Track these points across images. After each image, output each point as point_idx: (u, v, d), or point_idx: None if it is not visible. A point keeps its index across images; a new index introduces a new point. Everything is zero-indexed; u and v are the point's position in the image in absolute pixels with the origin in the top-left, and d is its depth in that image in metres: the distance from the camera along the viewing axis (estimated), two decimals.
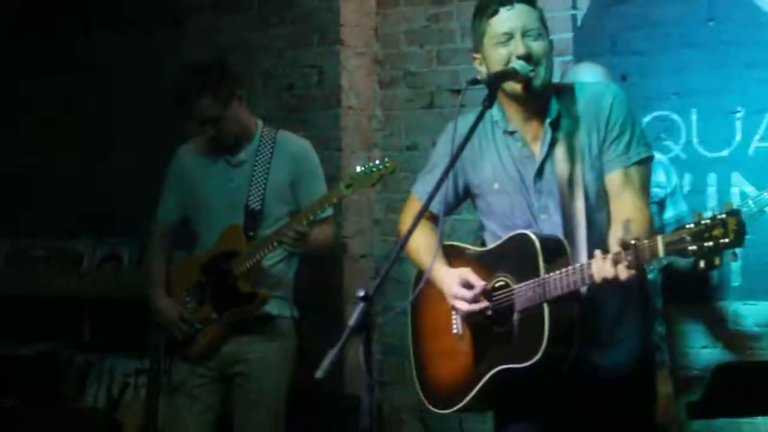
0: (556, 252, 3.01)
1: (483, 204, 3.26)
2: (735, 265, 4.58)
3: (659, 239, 2.71)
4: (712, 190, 4.69)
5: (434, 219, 3.31)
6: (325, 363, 2.46)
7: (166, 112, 5.01)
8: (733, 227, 2.61)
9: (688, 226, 2.66)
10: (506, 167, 3.16)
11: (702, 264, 2.69)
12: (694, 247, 2.64)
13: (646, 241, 2.74)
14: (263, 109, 5.13)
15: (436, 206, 3.14)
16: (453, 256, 3.30)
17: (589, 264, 2.86)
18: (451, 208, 3.33)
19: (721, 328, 4.70)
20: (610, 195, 3.09)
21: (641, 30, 4.83)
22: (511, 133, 3.15)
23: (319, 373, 2.46)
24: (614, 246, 2.84)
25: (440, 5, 5.31)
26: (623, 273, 2.77)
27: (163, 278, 4.39)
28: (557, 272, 2.94)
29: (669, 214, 4.27)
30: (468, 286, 3.12)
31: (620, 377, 3.11)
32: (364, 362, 2.56)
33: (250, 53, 5.43)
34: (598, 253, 2.83)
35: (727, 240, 2.62)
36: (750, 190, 4.56)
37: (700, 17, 4.72)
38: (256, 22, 5.46)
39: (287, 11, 5.39)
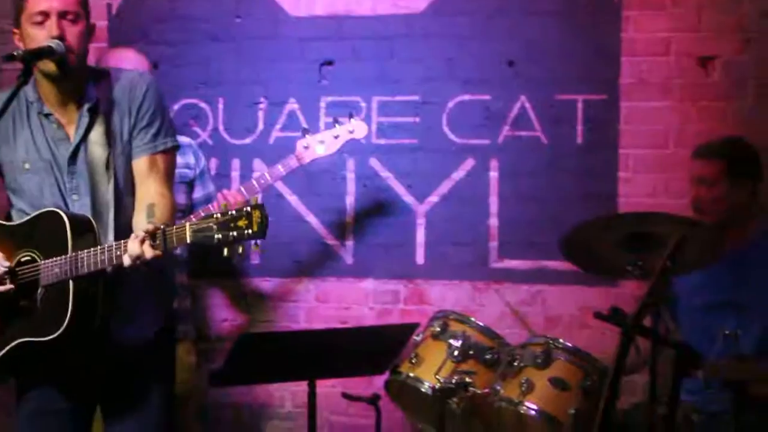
0: (85, 231, 3.07)
1: (13, 182, 3.24)
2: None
3: (187, 226, 2.83)
4: (235, 174, 4.95)
5: None
6: None
7: None
8: (257, 219, 2.79)
9: (215, 215, 2.81)
10: (39, 148, 3.17)
11: (225, 252, 2.86)
12: (219, 236, 2.79)
13: (174, 227, 2.87)
14: None
15: None
16: None
17: (118, 245, 2.94)
18: None
19: (241, 302, 4.99)
20: (136, 180, 3.20)
21: (172, 22, 4.98)
22: (47, 115, 3.17)
23: None
24: (141, 229, 2.93)
25: None
26: (149, 253, 2.87)
27: None
28: (87, 251, 2.99)
29: (198, 193, 4.43)
30: None
31: (141, 347, 3.23)
32: None
33: None
34: (133, 236, 2.90)
35: (250, 231, 2.79)
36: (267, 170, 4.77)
37: (228, 13, 4.95)
38: None
39: None
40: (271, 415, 4.96)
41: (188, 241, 2.84)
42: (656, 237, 3.38)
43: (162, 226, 2.88)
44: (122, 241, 2.95)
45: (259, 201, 2.90)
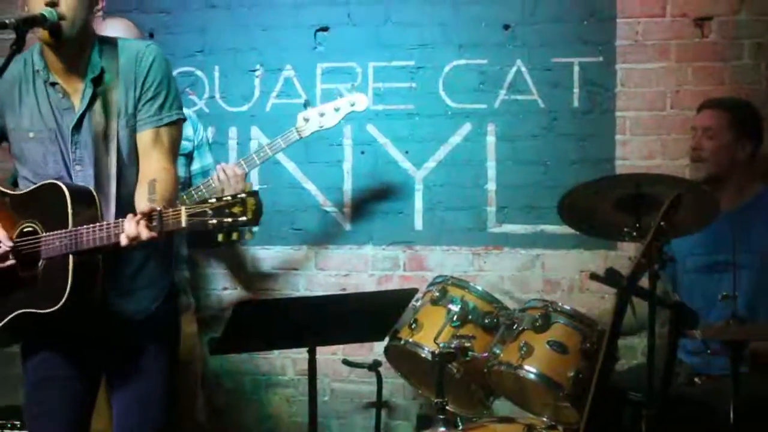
0: (86, 204, 3.06)
1: (17, 150, 3.24)
2: None
3: (183, 210, 2.80)
4: (233, 142, 4.94)
5: None
6: None
7: None
8: (251, 206, 2.76)
9: (210, 200, 2.78)
10: (44, 117, 3.17)
11: (220, 237, 2.83)
12: (214, 221, 2.76)
13: (171, 210, 2.83)
14: None
15: None
16: None
17: (117, 224, 2.92)
18: None
19: (240, 271, 5.00)
20: (140, 153, 3.18)
21: None
22: (53, 84, 3.16)
23: None
24: (141, 206, 2.94)
25: None
26: (145, 234, 2.85)
27: None
28: (87, 227, 2.97)
29: (196, 166, 4.38)
30: None
31: (145, 319, 3.24)
32: None
33: None
34: (130, 216, 2.88)
35: (245, 218, 2.76)
36: (267, 143, 4.77)
37: None
38: None
39: None
40: (272, 382, 4.98)
41: (183, 225, 2.79)
42: (653, 198, 3.39)
43: (159, 208, 2.85)
44: (121, 219, 2.93)
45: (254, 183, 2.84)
